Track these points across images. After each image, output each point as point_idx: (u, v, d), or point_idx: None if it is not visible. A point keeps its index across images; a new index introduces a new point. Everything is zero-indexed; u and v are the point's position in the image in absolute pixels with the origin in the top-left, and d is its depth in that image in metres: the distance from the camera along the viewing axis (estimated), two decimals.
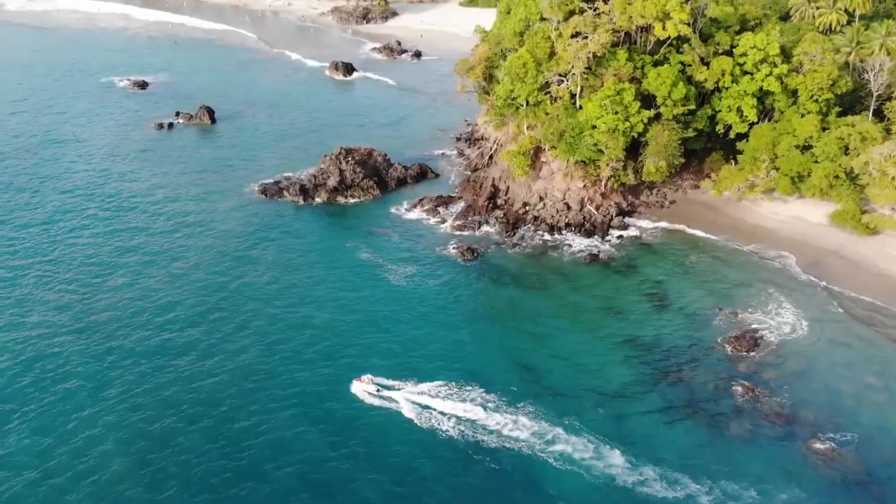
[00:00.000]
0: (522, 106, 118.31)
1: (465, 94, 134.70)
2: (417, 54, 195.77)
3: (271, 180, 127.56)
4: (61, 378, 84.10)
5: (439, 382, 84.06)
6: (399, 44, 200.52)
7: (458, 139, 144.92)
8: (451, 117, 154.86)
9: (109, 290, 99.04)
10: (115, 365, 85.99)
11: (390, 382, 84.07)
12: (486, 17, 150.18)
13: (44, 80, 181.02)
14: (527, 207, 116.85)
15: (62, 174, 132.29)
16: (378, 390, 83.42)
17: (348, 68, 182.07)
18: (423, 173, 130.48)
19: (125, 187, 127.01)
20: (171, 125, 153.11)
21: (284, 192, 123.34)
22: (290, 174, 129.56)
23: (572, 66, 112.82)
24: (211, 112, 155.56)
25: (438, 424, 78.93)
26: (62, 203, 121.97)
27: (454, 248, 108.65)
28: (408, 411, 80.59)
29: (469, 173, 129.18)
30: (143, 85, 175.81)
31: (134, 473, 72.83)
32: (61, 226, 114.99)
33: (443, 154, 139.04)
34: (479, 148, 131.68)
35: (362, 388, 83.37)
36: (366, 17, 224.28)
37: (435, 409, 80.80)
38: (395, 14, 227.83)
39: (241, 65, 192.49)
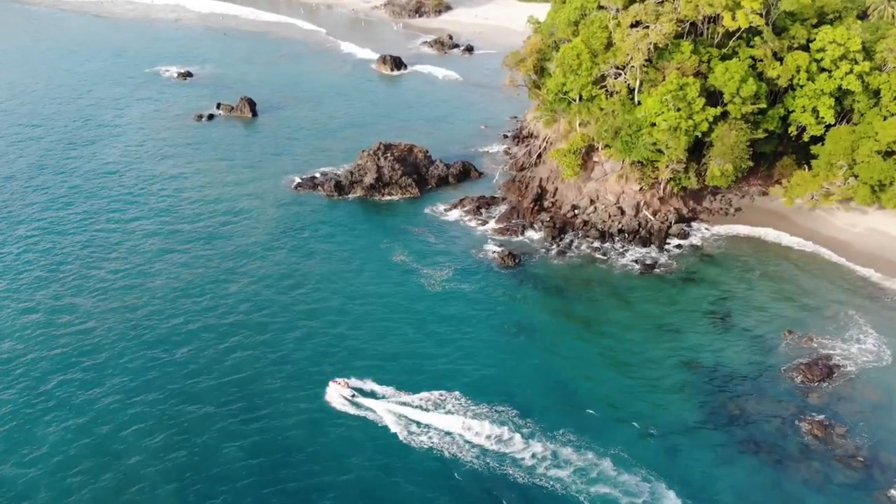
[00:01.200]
0: (575, 101, 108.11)
1: (515, 89, 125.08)
2: (469, 49, 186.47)
3: (307, 175, 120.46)
4: (89, 365, 79.92)
5: (466, 400, 75.12)
6: (451, 38, 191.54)
7: (506, 136, 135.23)
8: (500, 114, 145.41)
9: (132, 278, 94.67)
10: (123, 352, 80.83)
11: (407, 398, 75.61)
12: (544, 12, 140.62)
13: (91, 67, 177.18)
14: (576, 211, 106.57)
15: (98, 162, 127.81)
16: (353, 395, 75.90)
17: (396, 62, 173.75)
18: (466, 172, 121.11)
19: (158, 178, 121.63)
20: (211, 116, 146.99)
21: (319, 187, 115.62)
22: (328, 169, 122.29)
23: (631, 58, 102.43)
24: (252, 104, 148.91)
25: (461, 454, 69.77)
26: (94, 190, 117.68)
27: (494, 252, 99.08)
28: (399, 427, 72.52)
29: (515, 173, 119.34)
30: (187, 75, 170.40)
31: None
32: (90, 213, 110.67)
33: (488, 152, 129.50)
34: (526, 146, 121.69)
35: (337, 391, 76.19)
36: (418, 10, 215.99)
37: (456, 434, 71.60)
38: (448, 8, 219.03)
39: (289, 57, 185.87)
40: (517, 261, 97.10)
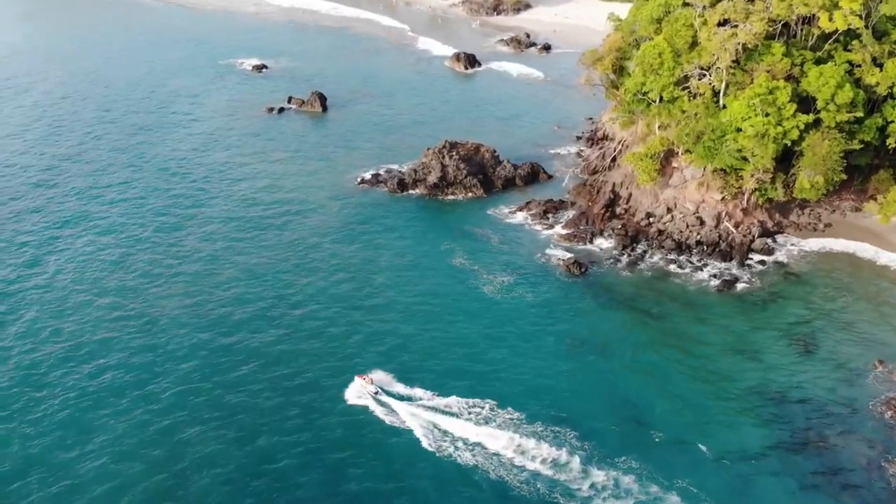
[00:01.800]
0: (655, 102, 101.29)
1: (591, 88, 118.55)
2: (546, 48, 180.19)
3: (371, 172, 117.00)
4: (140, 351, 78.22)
5: (519, 416, 69.72)
6: (528, 36, 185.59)
7: (579, 138, 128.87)
8: (575, 114, 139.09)
9: (193, 263, 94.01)
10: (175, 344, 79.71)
11: (453, 406, 71.01)
12: (626, 10, 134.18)
13: (170, 56, 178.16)
14: (650, 219, 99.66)
15: (166, 150, 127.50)
16: (377, 393, 72.14)
17: (470, 60, 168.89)
18: (535, 174, 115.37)
19: (224, 169, 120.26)
20: (281, 110, 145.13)
21: (382, 184, 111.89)
22: (393, 166, 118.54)
23: (717, 58, 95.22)
24: (323, 98, 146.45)
25: (509, 477, 64.40)
26: (160, 180, 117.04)
27: (559, 259, 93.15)
28: (435, 439, 67.78)
29: (586, 176, 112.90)
30: (262, 68, 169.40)
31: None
32: (153, 203, 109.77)
33: (559, 154, 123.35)
34: (600, 148, 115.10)
35: (360, 384, 73.02)
36: (497, 8, 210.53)
37: (506, 454, 66.17)
38: (528, 6, 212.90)
39: (364, 53, 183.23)
40: (584, 270, 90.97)
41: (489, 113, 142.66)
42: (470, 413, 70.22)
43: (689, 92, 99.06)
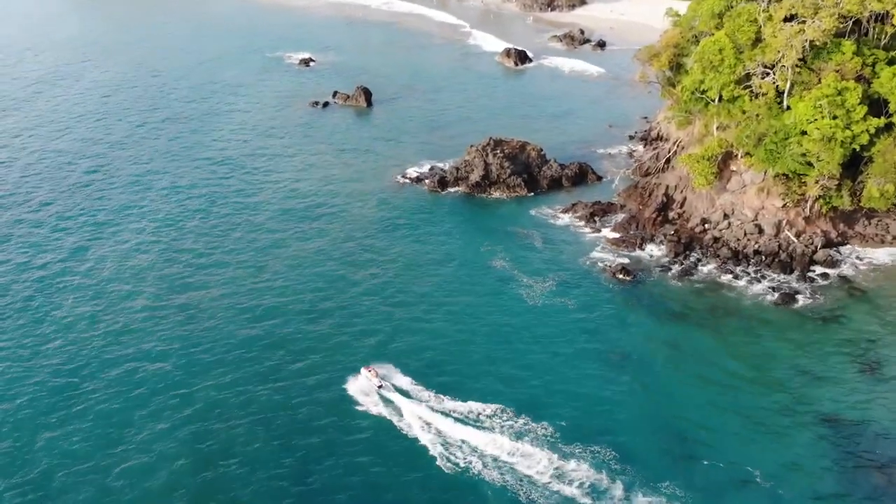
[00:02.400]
0: (713, 101, 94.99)
1: (647, 86, 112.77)
2: (601, 44, 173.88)
3: (413, 168, 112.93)
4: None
5: (554, 433, 64.74)
6: (581, 33, 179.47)
7: (632, 137, 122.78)
8: (629, 113, 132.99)
9: (228, 261, 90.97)
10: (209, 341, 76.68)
11: (482, 419, 66.08)
12: (685, 6, 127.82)
13: (216, 48, 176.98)
14: (705, 226, 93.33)
15: (209, 143, 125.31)
16: (381, 387, 69.15)
17: (521, 56, 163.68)
18: (583, 174, 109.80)
19: (266, 163, 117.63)
20: (326, 104, 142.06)
21: (423, 181, 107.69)
22: (436, 163, 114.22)
23: (782, 56, 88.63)
24: (368, 93, 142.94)
25: (542, 500, 59.71)
26: (202, 171, 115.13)
27: (606, 265, 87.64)
28: (442, 450, 63.65)
29: (638, 178, 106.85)
30: (309, 62, 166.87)
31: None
32: (195, 193, 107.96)
33: (610, 154, 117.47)
34: (654, 149, 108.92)
35: (366, 376, 71.03)
36: (550, 4, 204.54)
37: (538, 475, 61.21)
38: (583, 2, 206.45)
39: (413, 48, 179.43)
40: (632, 277, 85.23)
41: (539, 110, 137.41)
42: (500, 425, 65.44)
43: (751, 91, 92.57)
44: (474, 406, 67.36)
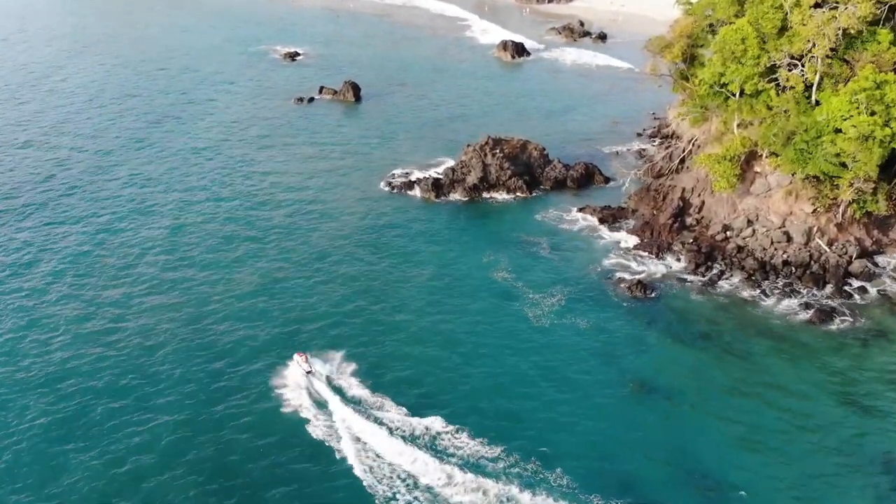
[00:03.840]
0: (734, 96, 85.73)
1: (657, 80, 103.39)
2: (602, 37, 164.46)
3: (405, 171, 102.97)
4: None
5: (568, 481, 54.99)
6: (581, 24, 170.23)
7: (640, 135, 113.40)
8: (635, 109, 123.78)
9: (195, 278, 78.62)
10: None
11: (486, 462, 56.04)
12: None
13: (192, 42, 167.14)
14: (727, 233, 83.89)
15: (185, 140, 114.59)
16: (309, 372, 63.65)
17: (518, 49, 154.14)
18: (589, 175, 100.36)
19: (245, 163, 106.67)
20: (311, 100, 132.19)
21: (416, 185, 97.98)
22: (429, 164, 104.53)
23: (812, 46, 79.33)
24: (356, 88, 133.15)
25: None
26: (175, 172, 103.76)
27: (619, 280, 78.13)
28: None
29: (649, 180, 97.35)
30: (294, 56, 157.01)
31: None
32: (165, 198, 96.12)
33: (617, 153, 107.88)
34: (666, 148, 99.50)
35: (298, 362, 64.88)
36: None
37: None
38: None
39: (404, 40, 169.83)
40: (649, 292, 75.86)
41: (538, 106, 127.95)
42: (506, 472, 55.68)
43: (778, 84, 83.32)
44: (474, 447, 57.80)
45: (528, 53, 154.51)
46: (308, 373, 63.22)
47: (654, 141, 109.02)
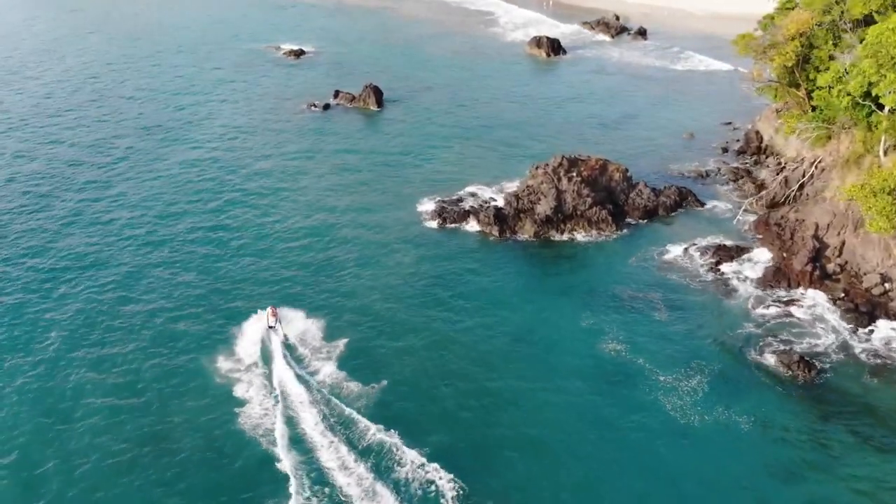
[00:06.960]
0: (881, 110, 67.35)
1: (751, 86, 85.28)
2: (642, 33, 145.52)
3: (451, 196, 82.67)
4: None
5: None
6: (617, 19, 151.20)
7: (725, 150, 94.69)
8: (702, 116, 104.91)
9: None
10: None
11: None
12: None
13: (180, 38, 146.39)
14: (886, 285, 65.51)
15: (177, 160, 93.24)
16: (271, 327, 57.75)
17: (553, 46, 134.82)
18: (680, 200, 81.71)
19: (251, 189, 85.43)
20: (326, 106, 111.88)
21: (471, 216, 78.46)
22: (478, 188, 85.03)
23: None
24: (378, 93, 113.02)
25: None
26: (164, 198, 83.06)
27: (770, 352, 59.12)
28: None
29: (761, 211, 78.54)
30: (299, 53, 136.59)
31: None
32: (150, 236, 75.24)
33: (706, 173, 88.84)
34: (780, 170, 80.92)
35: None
36: None
37: None
38: None
39: (421, 36, 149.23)
40: (812, 371, 57.24)
41: (588, 113, 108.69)
42: None
43: None
44: None
45: (565, 51, 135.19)
46: (271, 327, 57.92)
47: (746, 158, 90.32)
